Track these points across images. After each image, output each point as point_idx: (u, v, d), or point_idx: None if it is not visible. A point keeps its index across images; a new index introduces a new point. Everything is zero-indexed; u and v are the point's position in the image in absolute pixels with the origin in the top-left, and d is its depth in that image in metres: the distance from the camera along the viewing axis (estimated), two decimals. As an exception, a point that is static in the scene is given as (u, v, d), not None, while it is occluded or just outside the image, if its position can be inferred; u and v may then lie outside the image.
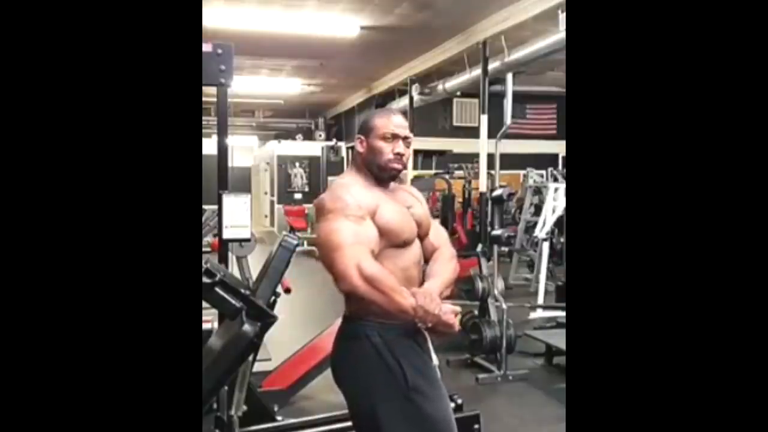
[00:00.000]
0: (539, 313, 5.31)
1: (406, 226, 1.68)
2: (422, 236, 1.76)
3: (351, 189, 1.64)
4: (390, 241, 1.63)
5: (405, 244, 1.67)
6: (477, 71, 6.58)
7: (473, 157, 7.39)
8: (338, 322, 1.75)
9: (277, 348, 3.89)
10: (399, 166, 1.70)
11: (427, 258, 1.78)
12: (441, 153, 9.11)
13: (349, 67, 8.54)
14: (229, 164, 2.78)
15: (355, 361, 1.63)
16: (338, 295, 1.67)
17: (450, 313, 1.56)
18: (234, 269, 3.52)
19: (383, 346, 1.59)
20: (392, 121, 1.71)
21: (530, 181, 7.96)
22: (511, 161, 7.86)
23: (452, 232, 7.33)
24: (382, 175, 1.71)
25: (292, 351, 3.56)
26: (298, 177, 12.87)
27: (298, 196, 12.55)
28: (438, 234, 1.84)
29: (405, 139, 1.71)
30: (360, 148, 1.73)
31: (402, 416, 1.56)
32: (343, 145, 11.04)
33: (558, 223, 6.10)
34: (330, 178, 10.34)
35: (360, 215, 1.58)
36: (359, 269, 1.49)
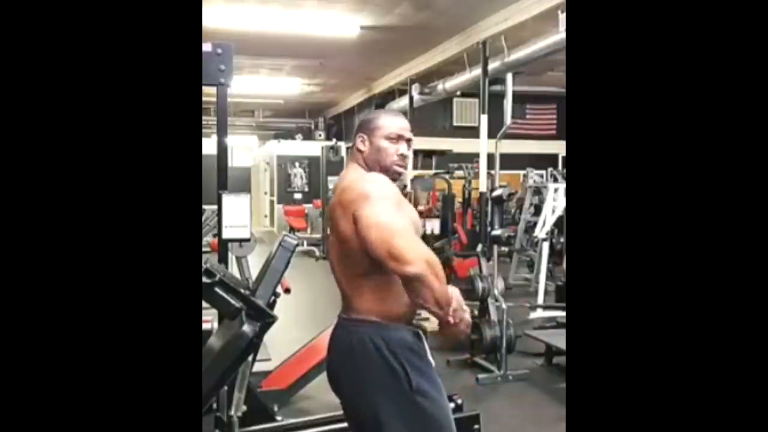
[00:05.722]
0: (539, 313, 5.32)
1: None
2: None
3: (387, 183, 1.63)
4: None
5: None
6: (477, 71, 6.59)
7: (473, 157, 7.39)
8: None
9: (277, 348, 3.89)
10: (402, 169, 1.70)
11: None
12: (441, 153, 9.11)
13: (349, 67, 8.55)
14: (229, 164, 2.78)
15: (357, 366, 1.59)
16: (338, 296, 1.67)
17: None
18: (234, 269, 3.52)
19: (386, 349, 1.56)
20: (397, 121, 1.71)
21: (530, 181, 7.97)
22: (511, 161, 7.86)
23: (452, 232, 7.33)
24: (385, 176, 1.68)
25: (292, 351, 3.56)
26: (298, 177, 12.87)
27: (297, 196, 12.55)
28: None
29: (408, 141, 1.71)
30: (362, 147, 1.70)
31: (405, 419, 1.54)
32: (342, 145, 11.03)
33: (558, 223, 6.10)
34: (330, 178, 10.34)
35: (401, 207, 1.59)
36: (423, 253, 1.45)
